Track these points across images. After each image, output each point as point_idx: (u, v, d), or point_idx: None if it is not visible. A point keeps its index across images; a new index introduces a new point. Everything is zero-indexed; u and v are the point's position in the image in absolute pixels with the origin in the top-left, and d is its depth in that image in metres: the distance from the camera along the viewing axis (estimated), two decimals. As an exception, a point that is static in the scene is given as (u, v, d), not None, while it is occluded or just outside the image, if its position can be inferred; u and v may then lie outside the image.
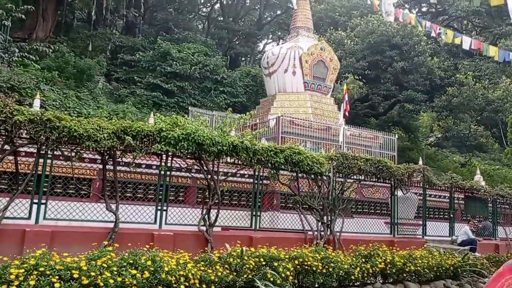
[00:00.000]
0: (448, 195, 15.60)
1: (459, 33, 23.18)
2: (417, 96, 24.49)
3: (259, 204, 11.37)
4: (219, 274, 5.56)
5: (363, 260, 7.62)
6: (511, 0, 6.14)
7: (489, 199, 16.34)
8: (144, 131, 9.10)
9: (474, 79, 23.81)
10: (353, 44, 25.25)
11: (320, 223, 11.55)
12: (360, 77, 29.33)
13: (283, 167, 11.08)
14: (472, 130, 38.05)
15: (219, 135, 9.92)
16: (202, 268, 5.60)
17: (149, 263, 5.01)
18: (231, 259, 5.91)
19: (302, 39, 20.10)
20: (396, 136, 19.40)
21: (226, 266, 5.84)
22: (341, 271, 6.89)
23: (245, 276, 5.75)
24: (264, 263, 6.20)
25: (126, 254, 5.33)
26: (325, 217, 11.63)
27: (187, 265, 5.43)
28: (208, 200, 10.00)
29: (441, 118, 30.27)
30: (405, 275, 7.93)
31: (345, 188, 12.48)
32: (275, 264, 6.27)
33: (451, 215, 15.20)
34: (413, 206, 14.65)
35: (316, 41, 20.33)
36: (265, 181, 13.43)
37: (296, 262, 6.62)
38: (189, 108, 19.93)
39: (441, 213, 16.71)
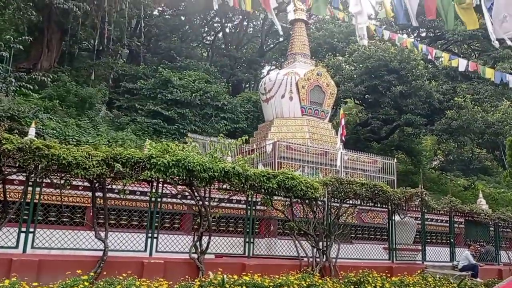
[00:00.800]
0: (448, 219, 15.38)
1: (457, 56, 23.26)
2: (417, 120, 24.47)
3: (252, 230, 11.29)
4: (198, 302, 5.49)
5: (353, 287, 7.47)
6: (490, 23, 6.17)
7: (490, 223, 16.10)
8: (134, 158, 9.14)
9: (473, 102, 23.81)
10: (351, 69, 25.44)
11: (315, 249, 11.44)
12: (360, 101, 29.42)
13: (276, 192, 11.05)
14: (476, 153, 37.73)
15: (210, 161, 9.93)
16: (181, 296, 5.52)
17: (123, 291, 4.95)
18: None
19: (299, 65, 20.32)
20: (395, 160, 19.31)
21: (205, 294, 5.76)
22: (327, 299, 6.77)
23: (225, 304, 5.66)
24: (246, 290, 6.11)
25: (101, 282, 5.26)
26: (320, 243, 11.52)
27: (165, 294, 5.36)
28: (199, 227, 9.97)
29: (441, 141, 30.10)
30: (396, 302, 7.77)
31: (341, 213, 12.39)
32: (257, 292, 6.18)
33: (452, 240, 14.95)
34: (412, 231, 14.47)
35: (312, 67, 20.53)
36: (262, 207, 13.31)
37: (280, 290, 6.52)
38: (188, 134, 20.03)
39: (442, 238, 16.42)
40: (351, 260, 12.71)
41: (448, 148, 31.87)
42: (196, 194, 9.98)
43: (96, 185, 9.15)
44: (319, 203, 11.99)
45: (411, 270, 12.06)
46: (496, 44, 7.08)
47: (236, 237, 11.80)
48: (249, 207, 11.32)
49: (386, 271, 11.26)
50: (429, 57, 18.35)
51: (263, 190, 10.87)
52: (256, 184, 10.63)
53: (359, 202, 12.89)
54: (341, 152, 17.33)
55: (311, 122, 18.92)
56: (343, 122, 16.98)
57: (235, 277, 6.40)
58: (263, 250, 13.44)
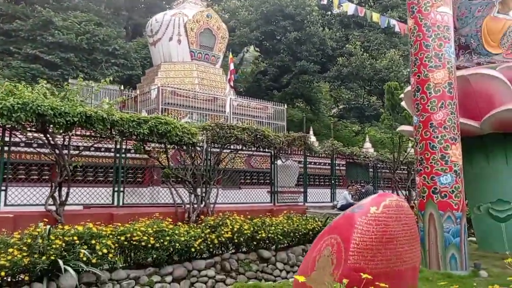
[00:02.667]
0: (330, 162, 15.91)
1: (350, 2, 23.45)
2: (310, 67, 24.71)
3: (122, 179, 10.66)
4: (10, 257, 4.84)
5: (209, 230, 7.23)
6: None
7: (370, 165, 16.95)
8: (-32, 101, 7.93)
9: (363, 49, 24.47)
10: (247, 14, 24.74)
11: (193, 196, 11.16)
12: (258, 48, 29.07)
13: (149, 138, 10.42)
14: (371, 102, 39.75)
15: (66, 105, 8.94)
16: (-11, 252, 4.83)
17: None
18: (29, 240, 5.19)
19: (188, 6, 19.22)
20: (285, 106, 19.39)
21: (25, 248, 5.11)
22: (177, 244, 6.43)
23: (45, 258, 5.06)
24: (78, 241, 5.55)
25: None
26: (198, 190, 11.23)
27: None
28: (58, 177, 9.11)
29: (333, 88, 30.97)
30: (255, 243, 7.68)
31: (222, 159, 12.15)
32: (93, 241, 5.65)
33: (333, 181, 15.53)
34: (294, 174, 14.76)
35: (203, 8, 19.53)
36: (145, 156, 12.61)
37: (123, 238, 6.05)
38: (69, 80, 18.37)
39: (325, 180, 17.02)
40: (234, 205, 12.68)
41: (339, 94, 32.88)
42: (52, 141, 9.01)
43: None
44: (198, 148, 11.60)
45: (292, 211, 12.30)
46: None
47: (110, 187, 11.12)
48: (118, 155, 10.67)
49: (268, 214, 11.35)
50: (322, 2, 18.28)
51: (134, 136, 10.22)
52: (125, 130, 9.88)
53: (241, 147, 12.73)
54: (231, 98, 16.97)
55: (200, 67, 18.14)
56: (231, 66, 16.49)
57: (67, 227, 5.80)
58: (147, 199, 12.98)
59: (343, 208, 14.48)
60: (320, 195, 15.28)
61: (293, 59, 25.26)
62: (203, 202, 11.29)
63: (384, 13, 24.39)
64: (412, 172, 17.85)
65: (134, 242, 6.09)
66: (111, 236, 5.98)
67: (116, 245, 5.98)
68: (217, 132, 11.97)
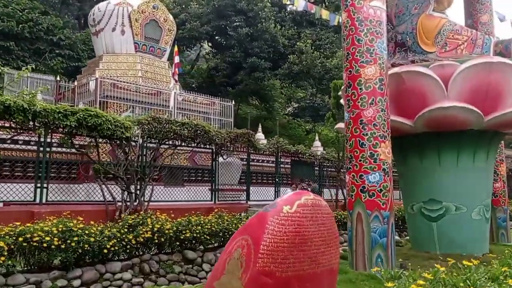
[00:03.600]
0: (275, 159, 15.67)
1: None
2: (261, 63, 24.42)
3: (47, 174, 10.00)
4: None
5: (127, 230, 6.75)
6: None
7: (315, 163, 16.86)
8: None
9: (314, 48, 24.43)
10: (198, 7, 24.16)
11: (126, 193, 10.62)
12: (211, 44, 28.53)
13: (77, 132, 9.80)
14: (325, 101, 40.04)
15: (-20, 93, 8.23)
16: None
17: None
18: None
19: (133, -5, 18.44)
20: (233, 103, 19.01)
21: None
22: (86, 245, 5.91)
23: None
24: (-35, 243, 4.96)
25: None
26: (132, 187, 10.70)
27: None
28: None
29: (284, 86, 30.87)
30: (179, 243, 7.26)
31: (159, 154, 11.66)
32: (-18, 243, 5.07)
33: (277, 179, 15.31)
34: (237, 172, 14.43)
35: (149, -2, 18.78)
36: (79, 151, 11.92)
37: (21, 239, 5.48)
38: (6, 69, 17.21)
39: (271, 178, 16.79)
40: (172, 202, 12.26)
41: (292, 92, 32.79)
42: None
43: None
44: (133, 143, 11.06)
45: (233, 209, 11.96)
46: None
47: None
48: (43, 148, 10.01)
49: (208, 212, 10.98)
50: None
51: (60, 129, 9.59)
52: (49, 122, 9.24)
53: (180, 143, 12.29)
54: (175, 92, 16.42)
55: (145, 59, 17.44)
56: (176, 59, 15.93)
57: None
58: (82, 196, 12.33)
59: (286, 206, 14.27)
60: (264, 193, 15.03)
61: (244, 55, 24.88)
62: (137, 200, 10.79)
63: (337, 12, 24.44)
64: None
65: (35, 243, 5.53)
66: (7, 236, 5.40)
67: (14, 246, 5.41)
68: (154, 126, 11.48)
